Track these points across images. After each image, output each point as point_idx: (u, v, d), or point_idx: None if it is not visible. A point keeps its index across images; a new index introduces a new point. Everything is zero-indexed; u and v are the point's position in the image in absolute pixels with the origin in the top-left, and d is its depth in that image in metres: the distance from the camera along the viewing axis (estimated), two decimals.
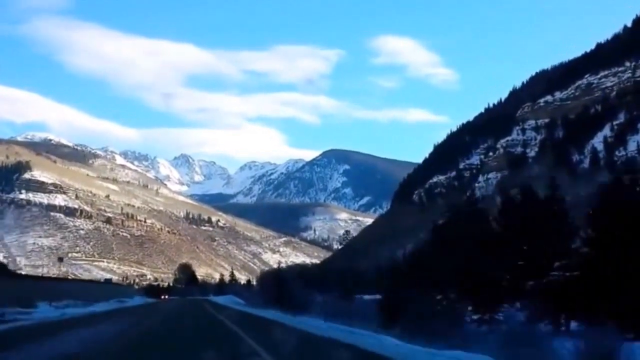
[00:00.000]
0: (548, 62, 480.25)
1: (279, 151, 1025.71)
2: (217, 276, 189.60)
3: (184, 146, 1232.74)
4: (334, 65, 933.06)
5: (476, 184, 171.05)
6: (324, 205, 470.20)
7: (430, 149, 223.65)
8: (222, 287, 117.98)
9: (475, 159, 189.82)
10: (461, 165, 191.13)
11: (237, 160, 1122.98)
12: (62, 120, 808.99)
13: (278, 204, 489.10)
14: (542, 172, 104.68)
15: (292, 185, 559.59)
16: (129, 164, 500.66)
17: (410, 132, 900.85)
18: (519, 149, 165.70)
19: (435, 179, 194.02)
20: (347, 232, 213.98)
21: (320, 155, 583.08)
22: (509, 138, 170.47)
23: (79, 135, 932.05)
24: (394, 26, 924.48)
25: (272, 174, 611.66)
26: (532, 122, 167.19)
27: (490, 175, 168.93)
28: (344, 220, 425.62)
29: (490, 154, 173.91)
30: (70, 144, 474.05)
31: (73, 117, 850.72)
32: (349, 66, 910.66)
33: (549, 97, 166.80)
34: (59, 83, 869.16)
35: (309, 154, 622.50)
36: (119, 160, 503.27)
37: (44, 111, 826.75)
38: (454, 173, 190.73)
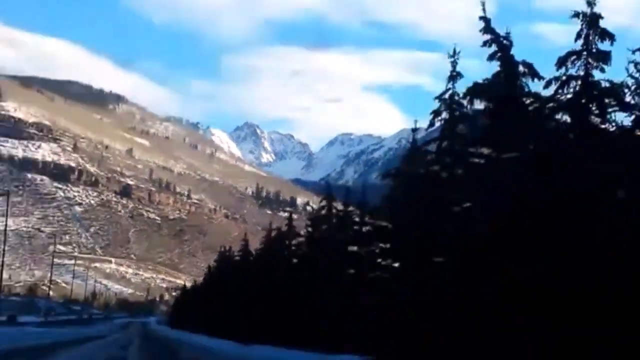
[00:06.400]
0: None
1: (388, 124, 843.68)
2: None
3: (251, 114, 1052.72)
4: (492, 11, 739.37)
5: None
6: None
7: None
8: None
9: None
10: None
11: (322, 135, 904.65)
12: (97, 70, 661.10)
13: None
14: None
15: None
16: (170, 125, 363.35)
17: None
18: None
19: None
20: None
21: None
22: None
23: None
24: None
25: (374, 150, 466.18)
26: None
27: None
28: None
29: None
30: (85, 83, 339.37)
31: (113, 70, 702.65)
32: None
33: None
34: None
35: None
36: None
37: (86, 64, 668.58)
38: None
